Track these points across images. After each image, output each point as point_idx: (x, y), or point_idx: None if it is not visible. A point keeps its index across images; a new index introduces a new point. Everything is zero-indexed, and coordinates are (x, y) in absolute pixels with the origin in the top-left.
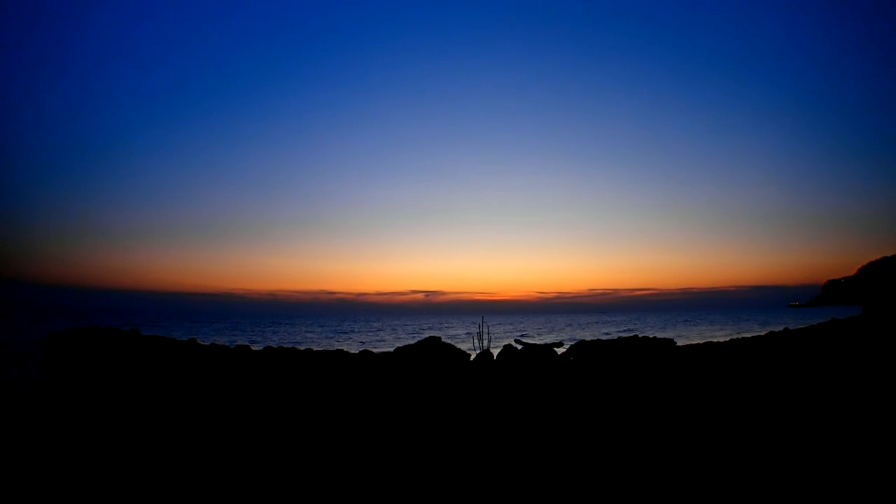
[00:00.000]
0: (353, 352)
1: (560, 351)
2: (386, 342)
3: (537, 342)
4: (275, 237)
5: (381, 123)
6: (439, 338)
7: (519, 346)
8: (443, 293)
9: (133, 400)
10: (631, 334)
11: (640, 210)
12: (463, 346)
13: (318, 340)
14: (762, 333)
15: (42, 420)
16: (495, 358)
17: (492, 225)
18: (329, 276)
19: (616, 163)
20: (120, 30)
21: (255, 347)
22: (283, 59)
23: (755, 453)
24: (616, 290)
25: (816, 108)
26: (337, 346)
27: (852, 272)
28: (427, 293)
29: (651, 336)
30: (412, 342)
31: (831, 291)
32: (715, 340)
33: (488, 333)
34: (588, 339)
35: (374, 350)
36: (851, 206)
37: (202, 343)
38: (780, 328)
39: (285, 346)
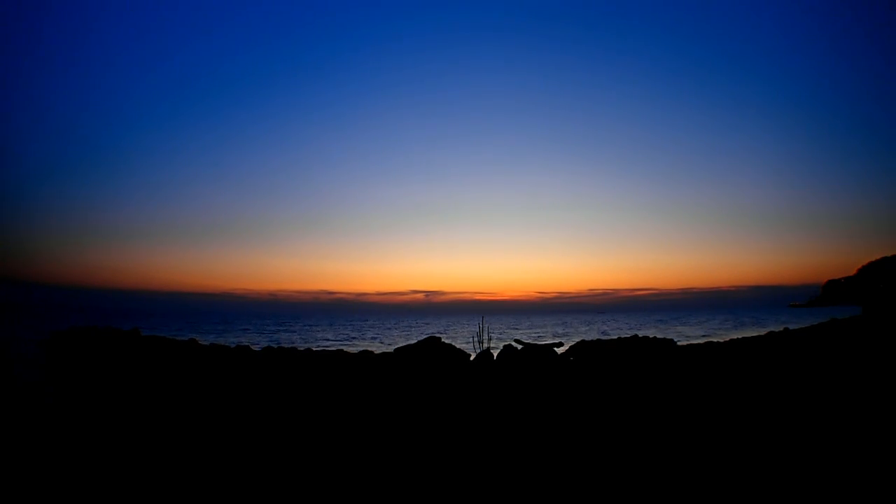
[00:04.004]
0: (352, 352)
1: (560, 351)
2: (386, 342)
3: (537, 342)
4: (275, 237)
5: (381, 123)
6: (439, 338)
7: (519, 346)
8: (443, 293)
9: (132, 400)
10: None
11: (640, 210)
12: (463, 347)
13: (318, 340)
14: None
15: (41, 420)
16: (495, 358)
17: (492, 225)
18: (329, 276)
19: (616, 163)
20: (120, 29)
21: (254, 347)
22: (284, 59)
23: (755, 453)
24: (616, 290)
25: (816, 108)
26: (337, 347)
27: (852, 272)
28: (427, 293)
29: (651, 336)
30: (412, 342)
31: (831, 291)
32: (716, 340)
33: (488, 333)
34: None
35: (374, 350)
36: (851, 206)
37: (202, 343)
38: (780, 328)
39: (285, 346)
